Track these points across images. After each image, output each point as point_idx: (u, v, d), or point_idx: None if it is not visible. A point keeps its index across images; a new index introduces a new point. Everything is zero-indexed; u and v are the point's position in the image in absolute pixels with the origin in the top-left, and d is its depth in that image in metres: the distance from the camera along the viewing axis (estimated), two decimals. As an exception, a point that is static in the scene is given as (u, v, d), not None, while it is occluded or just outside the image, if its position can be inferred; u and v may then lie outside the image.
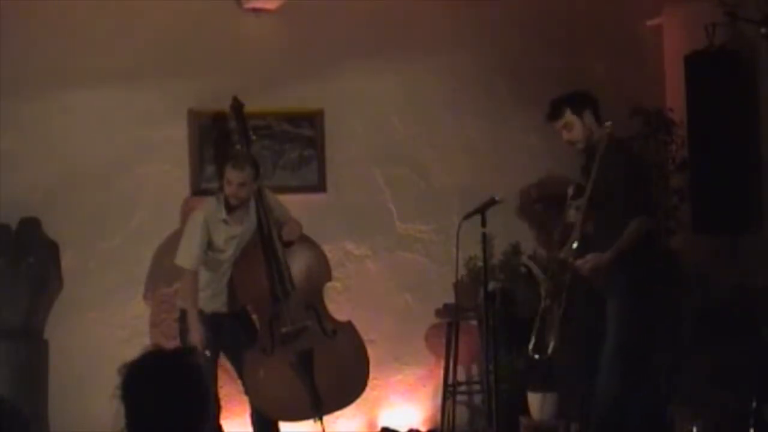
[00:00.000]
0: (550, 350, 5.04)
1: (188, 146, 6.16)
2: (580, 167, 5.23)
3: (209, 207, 5.56)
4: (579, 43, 6.68)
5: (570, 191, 5.10)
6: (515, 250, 6.25)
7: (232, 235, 5.53)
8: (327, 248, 5.90)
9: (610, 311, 4.96)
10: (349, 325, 5.75)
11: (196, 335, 5.34)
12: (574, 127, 5.07)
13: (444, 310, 6.23)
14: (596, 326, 5.01)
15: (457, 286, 6.03)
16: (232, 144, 5.88)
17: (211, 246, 5.47)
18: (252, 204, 5.60)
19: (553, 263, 5.15)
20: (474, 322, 6.22)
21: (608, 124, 4.97)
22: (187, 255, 5.46)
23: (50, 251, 5.88)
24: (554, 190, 6.25)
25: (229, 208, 5.51)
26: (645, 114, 6.16)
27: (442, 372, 6.16)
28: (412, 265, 6.49)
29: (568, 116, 5.08)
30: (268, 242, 5.58)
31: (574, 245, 4.93)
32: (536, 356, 5.10)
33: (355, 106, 6.40)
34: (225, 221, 5.51)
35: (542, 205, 6.32)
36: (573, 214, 5.05)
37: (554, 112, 5.12)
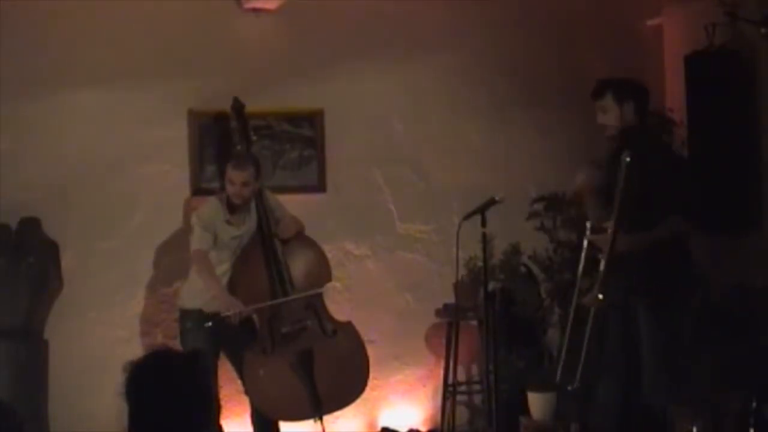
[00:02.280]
0: (577, 379, 4.94)
1: (188, 146, 6.17)
2: (606, 160, 5.05)
3: (211, 207, 5.56)
4: (579, 43, 6.68)
5: (588, 226, 4.91)
6: (515, 250, 6.24)
7: (233, 235, 5.53)
8: (327, 248, 5.89)
9: (647, 318, 4.83)
10: (349, 325, 5.75)
11: (231, 302, 5.32)
12: (610, 112, 4.94)
13: (444, 310, 6.23)
14: (600, 329, 4.98)
15: (457, 286, 6.03)
16: (233, 144, 5.88)
17: (215, 243, 5.47)
18: (252, 204, 5.60)
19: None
20: (474, 322, 6.22)
21: (628, 160, 4.71)
22: (198, 240, 5.46)
23: (50, 251, 5.88)
24: (554, 190, 6.27)
25: (232, 209, 5.51)
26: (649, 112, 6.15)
27: (442, 372, 6.16)
28: (412, 265, 6.49)
29: (608, 100, 4.93)
30: (268, 242, 5.58)
31: (600, 296, 4.77)
32: (568, 388, 5.01)
33: (355, 106, 6.40)
34: (228, 221, 5.52)
35: (542, 205, 6.32)
36: (599, 247, 4.87)
37: (596, 91, 4.97)
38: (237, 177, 5.46)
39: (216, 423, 5.50)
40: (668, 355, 4.83)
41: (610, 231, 4.75)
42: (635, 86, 4.99)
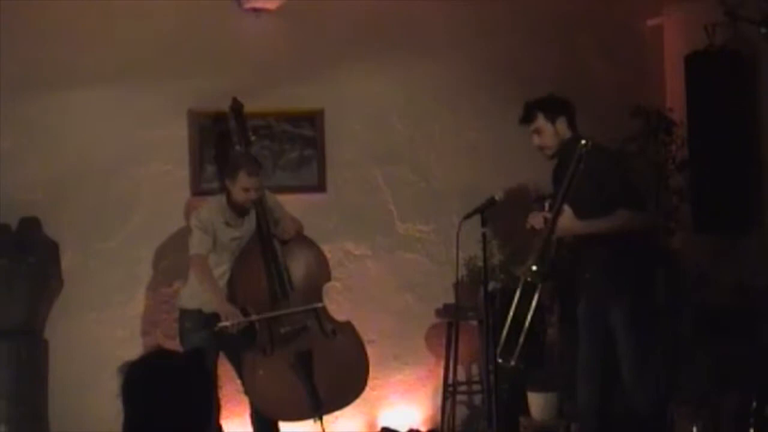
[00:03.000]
0: (514, 359, 4.95)
1: (188, 146, 6.17)
2: (552, 174, 5.15)
3: (211, 209, 5.55)
4: (579, 43, 6.68)
5: (546, 205, 4.98)
6: (515, 250, 6.24)
7: (233, 236, 5.53)
8: (327, 248, 5.89)
9: (619, 320, 4.85)
10: (348, 325, 5.74)
11: (229, 312, 5.32)
12: (544, 133, 5.02)
13: (444, 310, 6.23)
14: (598, 331, 4.99)
15: (457, 286, 6.03)
16: (232, 144, 5.88)
17: (214, 245, 5.47)
18: (251, 205, 5.60)
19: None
20: (474, 322, 6.22)
21: (584, 142, 4.83)
22: (197, 244, 5.45)
23: (50, 251, 5.88)
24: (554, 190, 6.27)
25: (239, 213, 5.51)
26: (645, 114, 6.16)
27: (442, 372, 6.17)
28: (412, 265, 6.49)
29: (540, 122, 5.03)
30: (268, 243, 5.57)
31: (534, 267, 4.83)
32: (500, 360, 5.00)
33: (355, 106, 6.40)
34: (227, 223, 5.51)
35: (541, 205, 6.31)
36: (538, 221, 4.95)
37: (526, 116, 5.07)
38: (253, 184, 5.43)
39: (216, 423, 5.51)
40: (645, 355, 4.85)
41: (549, 206, 4.85)
42: (561, 101, 5.08)
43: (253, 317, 5.43)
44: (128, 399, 2.39)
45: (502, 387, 5.64)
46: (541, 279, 4.84)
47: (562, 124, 5.00)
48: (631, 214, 4.82)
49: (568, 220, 4.83)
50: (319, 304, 5.62)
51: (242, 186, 5.44)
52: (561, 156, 5.01)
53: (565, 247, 5.05)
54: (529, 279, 4.86)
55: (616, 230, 4.81)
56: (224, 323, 5.28)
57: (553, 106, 5.04)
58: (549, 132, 5.00)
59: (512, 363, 4.94)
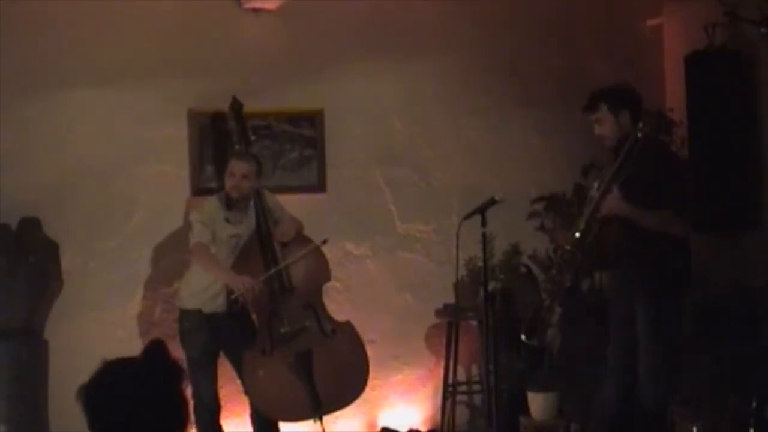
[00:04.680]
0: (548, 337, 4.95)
1: (188, 146, 6.17)
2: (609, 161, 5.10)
3: (211, 204, 5.56)
4: (579, 43, 6.68)
5: (596, 185, 4.92)
6: (515, 250, 6.24)
7: (232, 234, 5.53)
8: (327, 248, 5.89)
9: (643, 317, 4.80)
10: (348, 326, 5.74)
11: (241, 280, 5.31)
12: (606, 123, 4.92)
13: (444, 310, 6.23)
14: (597, 330, 4.98)
15: (457, 286, 6.03)
16: (232, 144, 5.88)
17: (213, 241, 5.47)
18: (251, 205, 5.60)
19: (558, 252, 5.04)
20: (474, 322, 6.22)
21: (640, 125, 4.79)
22: (198, 234, 5.45)
23: (50, 251, 5.88)
24: (554, 190, 6.27)
25: (230, 206, 5.51)
26: (645, 114, 6.15)
27: (442, 372, 6.17)
28: (412, 265, 6.49)
29: (603, 112, 4.93)
30: (267, 243, 5.57)
31: (577, 234, 4.78)
32: (526, 340, 4.99)
33: (355, 106, 6.40)
34: (226, 219, 5.51)
35: (542, 205, 6.32)
36: (565, 238, 4.92)
37: (590, 106, 4.98)
38: (238, 168, 5.46)
39: (216, 423, 5.52)
40: (659, 356, 4.82)
41: (597, 186, 4.79)
42: (629, 94, 4.98)
43: (263, 276, 5.41)
44: (92, 422, 2.25)
45: (502, 387, 5.64)
46: (581, 249, 4.80)
47: (624, 117, 4.90)
48: (676, 219, 4.77)
49: (615, 200, 4.75)
50: (321, 241, 5.62)
51: (229, 170, 5.48)
52: (618, 150, 4.92)
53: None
54: (568, 247, 4.81)
55: (656, 228, 4.75)
56: (240, 291, 5.27)
57: (618, 98, 4.92)
58: (610, 123, 4.88)
59: (534, 342, 4.92)
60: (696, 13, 6.11)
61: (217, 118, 6.08)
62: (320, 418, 5.51)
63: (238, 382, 5.65)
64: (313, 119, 6.33)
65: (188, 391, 2.50)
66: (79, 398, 2.25)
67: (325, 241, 5.64)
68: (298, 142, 6.31)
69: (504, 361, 5.85)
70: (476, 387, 6.39)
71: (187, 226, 5.67)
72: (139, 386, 2.26)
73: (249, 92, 5.99)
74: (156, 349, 2.34)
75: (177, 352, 5.36)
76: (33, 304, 5.79)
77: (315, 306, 5.66)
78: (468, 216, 5.09)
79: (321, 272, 5.75)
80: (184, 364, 5.24)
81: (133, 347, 6.00)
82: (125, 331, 6.01)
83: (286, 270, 5.59)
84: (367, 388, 5.74)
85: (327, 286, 5.86)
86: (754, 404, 5.12)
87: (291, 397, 5.50)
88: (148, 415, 2.24)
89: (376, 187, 6.45)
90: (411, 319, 6.43)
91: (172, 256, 6.05)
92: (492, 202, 5.03)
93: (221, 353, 5.57)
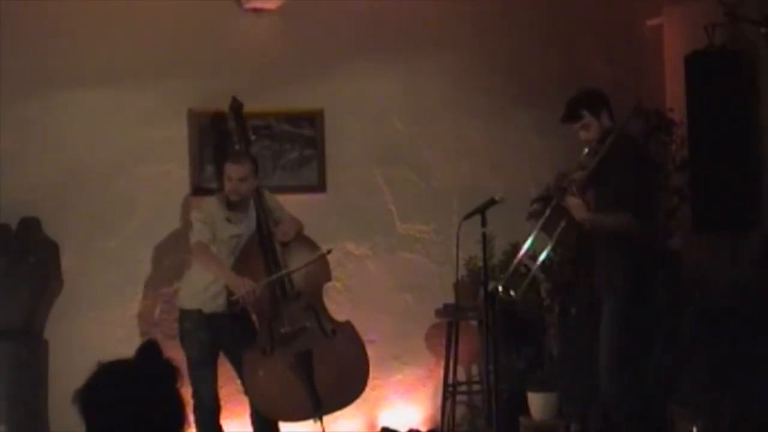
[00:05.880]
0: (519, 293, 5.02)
1: (188, 146, 6.17)
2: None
3: (211, 204, 5.56)
4: (579, 43, 6.68)
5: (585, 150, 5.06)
6: (515, 250, 6.24)
7: (232, 234, 5.53)
8: (327, 248, 5.89)
9: (606, 311, 4.95)
10: (348, 326, 5.74)
11: (242, 282, 5.30)
12: (592, 127, 5.04)
13: (444, 310, 6.23)
14: (596, 327, 5.01)
15: (457, 286, 6.03)
16: (232, 144, 5.88)
17: (213, 241, 5.47)
18: (251, 205, 5.60)
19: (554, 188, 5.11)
20: (474, 322, 6.22)
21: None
22: (198, 233, 5.45)
23: (50, 251, 5.88)
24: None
25: (230, 207, 5.51)
26: (645, 114, 6.16)
27: (442, 372, 6.17)
28: (412, 265, 6.49)
29: (587, 118, 5.04)
30: (268, 244, 5.57)
31: (578, 175, 4.93)
32: (503, 293, 5.03)
33: (355, 106, 6.40)
34: (227, 219, 5.51)
35: (540, 204, 6.31)
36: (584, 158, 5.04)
37: (572, 115, 5.08)
38: (234, 171, 5.46)
39: (216, 423, 5.52)
40: (624, 356, 4.90)
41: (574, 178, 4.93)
42: (599, 95, 5.12)
43: (265, 281, 5.41)
44: (90, 425, 2.24)
45: (502, 387, 5.64)
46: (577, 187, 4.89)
47: (605, 117, 5.03)
48: (633, 221, 4.85)
49: (575, 206, 4.92)
50: (324, 251, 5.63)
51: (226, 174, 5.47)
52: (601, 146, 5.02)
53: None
54: (564, 183, 4.93)
55: (613, 229, 4.87)
56: (240, 294, 5.28)
57: (595, 101, 5.06)
58: (595, 126, 5.02)
59: (514, 295, 5.00)
60: (696, 13, 6.12)
61: (217, 118, 6.08)
62: (320, 418, 5.51)
63: (238, 382, 5.65)
64: (313, 119, 6.32)
65: (186, 391, 2.48)
66: (76, 402, 2.25)
67: (329, 251, 5.65)
68: (298, 142, 6.31)
69: (504, 361, 5.86)
70: (476, 387, 6.39)
71: (188, 225, 5.68)
72: (134, 387, 2.25)
73: (249, 92, 5.99)
74: (149, 350, 2.32)
75: (177, 352, 5.37)
76: (33, 304, 5.79)
77: (315, 306, 5.66)
78: (468, 216, 5.09)
79: (321, 273, 5.75)
80: (184, 364, 5.27)
81: (133, 347, 5.97)
82: (125, 331, 6.01)
83: (288, 277, 5.57)
84: (367, 388, 5.74)
85: (327, 286, 5.86)
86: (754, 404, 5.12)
87: (291, 398, 5.50)
88: (144, 416, 2.23)
89: (376, 187, 6.45)
90: (411, 319, 6.43)
91: (172, 256, 6.05)
92: (492, 202, 5.04)
93: (221, 353, 5.57)
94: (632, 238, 4.88)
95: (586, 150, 5.04)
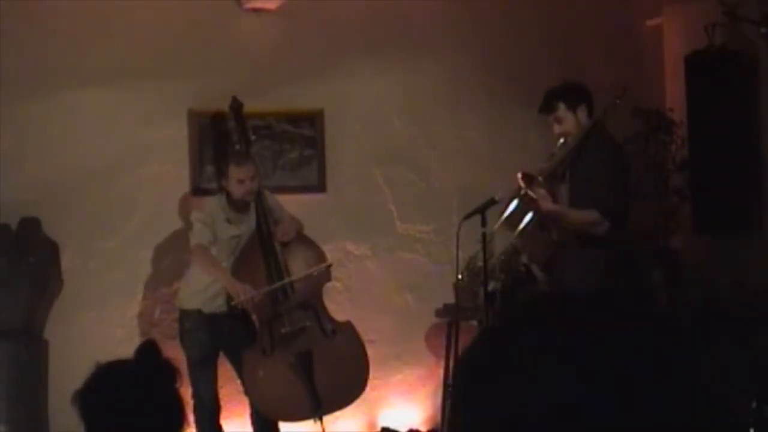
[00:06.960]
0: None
1: (188, 146, 6.17)
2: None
3: (212, 205, 5.56)
4: (579, 43, 6.68)
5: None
6: (515, 250, 6.24)
7: (232, 234, 5.53)
8: (327, 248, 5.89)
9: None
10: (348, 325, 5.74)
11: (241, 288, 5.30)
12: (566, 121, 4.98)
13: (444, 310, 6.23)
14: None
15: (457, 286, 6.03)
16: (232, 144, 5.88)
17: (213, 242, 5.47)
18: (251, 204, 5.60)
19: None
20: (474, 322, 6.22)
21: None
22: (198, 235, 5.44)
23: (50, 251, 5.88)
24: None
25: (233, 207, 5.51)
26: (645, 114, 6.16)
27: (442, 372, 6.16)
28: (412, 265, 6.49)
29: (562, 111, 4.99)
30: (268, 244, 5.57)
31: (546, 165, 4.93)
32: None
33: (355, 106, 6.40)
34: (228, 220, 5.51)
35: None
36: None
37: (547, 106, 5.03)
38: (244, 173, 5.44)
39: (216, 423, 5.52)
40: None
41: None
42: (580, 89, 5.03)
43: (265, 289, 5.41)
44: (89, 426, 2.24)
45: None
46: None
47: (582, 112, 4.96)
48: (600, 221, 4.81)
49: (542, 199, 4.88)
50: (328, 263, 5.65)
51: (236, 178, 5.44)
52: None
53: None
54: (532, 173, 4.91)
55: (577, 225, 4.83)
56: (239, 300, 5.28)
57: (573, 94, 4.99)
58: (570, 120, 4.96)
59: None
60: (696, 13, 6.12)
61: (217, 118, 6.08)
62: (320, 418, 5.51)
63: (238, 382, 5.65)
64: (313, 119, 6.32)
65: (186, 391, 2.47)
66: (75, 403, 2.25)
67: (330, 266, 5.65)
68: (298, 142, 6.31)
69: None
70: (476, 387, 6.38)
71: (188, 226, 5.68)
72: (133, 388, 2.26)
73: (249, 92, 5.99)
74: (149, 350, 2.34)
75: (177, 352, 5.37)
76: (33, 304, 5.79)
77: (315, 306, 5.66)
78: (468, 216, 5.09)
79: (321, 273, 5.75)
80: (184, 364, 5.27)
81: (133, 347, 5.98)
82: (125, 331, 6.01)
83: (287, 271, 5.57)
84: (367, 388, 5.74)
85: (327, 286, 5.86)
86: (754, 404, 5.11)
87: (291, 398, 5.50)
88: (144, 416, 2.24)
89: (376, 187, 6.45)
90: (411, 319, 6.43)
91: (172, 256, 6.05)
92: (492, 202, 5.04)
93: (221, 353, 5.57)
94: (597, 238, 4.82)
95: (561, 140, 4.99)
